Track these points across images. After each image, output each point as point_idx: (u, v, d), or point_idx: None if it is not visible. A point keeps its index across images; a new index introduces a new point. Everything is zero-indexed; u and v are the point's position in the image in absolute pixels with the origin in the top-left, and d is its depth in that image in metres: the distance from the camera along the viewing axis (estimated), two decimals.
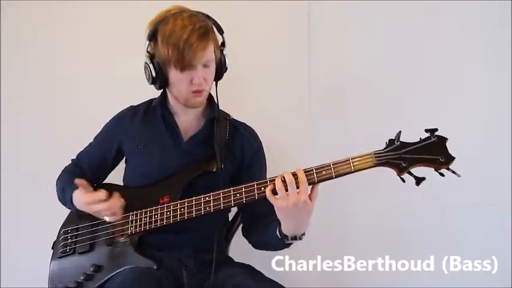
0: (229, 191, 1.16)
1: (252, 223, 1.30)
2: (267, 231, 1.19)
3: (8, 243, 1.76)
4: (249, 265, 1.29)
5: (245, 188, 1.14)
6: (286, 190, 1.06)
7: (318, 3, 1.76)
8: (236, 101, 1.67)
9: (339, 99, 1.77)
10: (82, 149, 1.44)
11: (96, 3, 1.74)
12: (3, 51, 1.75)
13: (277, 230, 1.13)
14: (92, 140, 1.43)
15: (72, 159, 1.43)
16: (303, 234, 1.14)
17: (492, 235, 1.69)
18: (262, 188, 1.12)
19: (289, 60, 1.78)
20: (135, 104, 1.41)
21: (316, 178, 1.09)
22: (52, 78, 1.77)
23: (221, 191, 1.17)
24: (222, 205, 1.16)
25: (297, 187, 1.07)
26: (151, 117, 1.34)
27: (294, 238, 1.13)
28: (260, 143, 1.40)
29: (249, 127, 1.40)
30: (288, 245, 1.18)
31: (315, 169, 1.10)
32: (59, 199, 1.37)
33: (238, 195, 1.14)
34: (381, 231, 1.74)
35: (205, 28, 1.17)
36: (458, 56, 1.70)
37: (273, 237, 1.16)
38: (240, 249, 1.40)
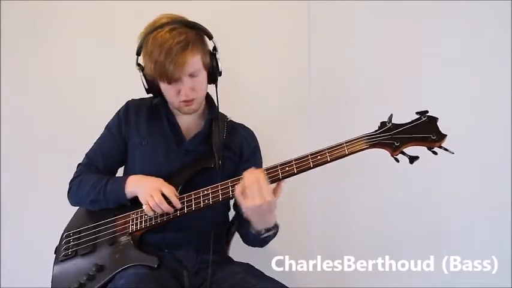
0: (227, 183, 1.20)
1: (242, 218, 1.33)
2: (246, 226, 1.24)
3: (9, 246, 1.76)
4: (248, 263, 1.30)
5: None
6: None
7: (318, 3, 1.76)
8: (236, 101, 1.67)
9: (339, 99, 1.77)
10: (81, 149, 1.42)
11: (97, 2, 1.74)
12: (3, 51, 1.75)
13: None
14: (94, 141, 1.41)
15: (79, 164, 1.40)
16: (274, 225, 1.20)
17: (492, 235, 1.69)
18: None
19: (289, 60, 1.78)
20: (135, 98, 1.41)
21: (280, 174, 1.15)
22: (52, 78, 1.77)
23: (219, 183, 1.20)
24: (220, 197, 1.20)
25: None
26: (156, 116, 1.36)
27: (268, 230, 1.20)
28: (258, 144, 1.43)
29: (247, 127, 1.43)
30: (265, 239, 1.24)
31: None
32: (91, 201, 1.31)
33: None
34: (381, 231, 1.74)
35: (185, 41, 1.19)
36: (458, 56, 1.70)
37: (250, 232, 1.22)
38: (240, 249, 1.40)
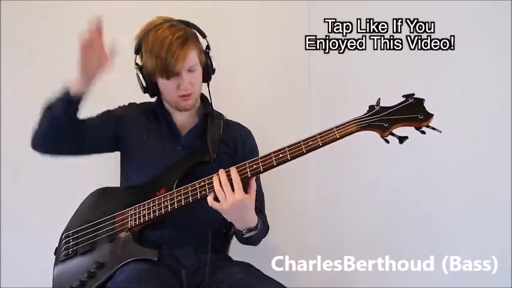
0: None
1: None
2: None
3: (9, 246, 1.76)
4: (247, 263, 1.30)
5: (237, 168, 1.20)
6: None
7: (318, 3, 1.76)
8: (236, 100, 1.67)
9: (339, 99, 1.77)
10: None
11: (97, 3, 1.74)
12: (3, 51, 1.75)
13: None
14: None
15: None
16: (256, 226, 1.22)
17: (492, 235, 1.69)
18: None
19: (289, 60, 1.78)
20: (137, 102, 1.45)
21: (249, 172, 1.17)
22: (52, 78, 1.76)
23: (214, 174, 1.20)
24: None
25: (232, 188, 1.15)
26: (153, 117, 1.41)
27: (250, 230, 1.21)
28: (254, 142, 1.45)
29: (244, 126, 1.46)
30: (249, 240, 1.26)
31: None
32: (46, 128, 1.31)
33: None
34: (381, 231, 1.74)
35: (184, 36, 1.25)
36: (458, 56, 1.70)
37: (233, 230, 1.26)
38: (240, 249, 1.40)
